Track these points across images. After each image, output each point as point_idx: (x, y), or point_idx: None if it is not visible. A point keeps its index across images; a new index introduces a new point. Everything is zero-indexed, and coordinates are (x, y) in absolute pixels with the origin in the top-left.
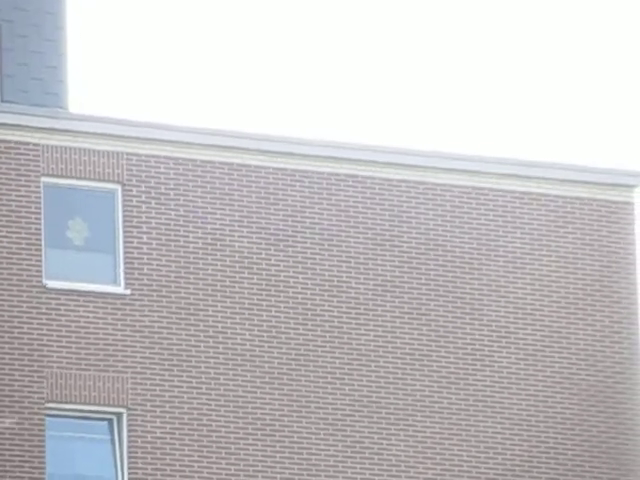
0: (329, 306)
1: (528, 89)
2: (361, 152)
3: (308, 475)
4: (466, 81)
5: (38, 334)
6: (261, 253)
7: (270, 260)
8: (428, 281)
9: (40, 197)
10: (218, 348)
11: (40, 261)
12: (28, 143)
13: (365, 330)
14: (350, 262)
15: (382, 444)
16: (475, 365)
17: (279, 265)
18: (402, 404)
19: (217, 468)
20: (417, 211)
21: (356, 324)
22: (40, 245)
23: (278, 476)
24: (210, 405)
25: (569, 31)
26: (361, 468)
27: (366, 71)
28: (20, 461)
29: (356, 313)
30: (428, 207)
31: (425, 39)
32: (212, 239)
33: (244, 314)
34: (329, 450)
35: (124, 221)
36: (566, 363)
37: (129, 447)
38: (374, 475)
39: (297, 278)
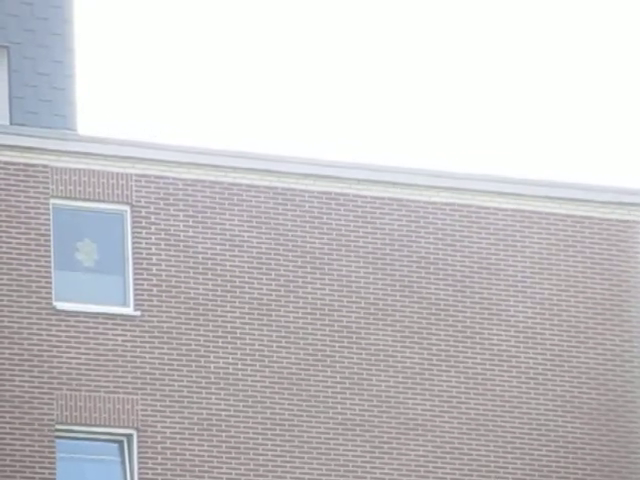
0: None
1: (534, 107)
2: (357, 171)
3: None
4: (470, 98)
5: (48, 356)
6: (270, 273)
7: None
8: (430, 305)
9: (49, 219)
10: (228, 369)
11: (50, 283)
12: (37, 165)
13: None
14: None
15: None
16: (477, 389)
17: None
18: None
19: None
20: (427, 230)
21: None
22: (49, 267)
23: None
24: (220, 426)
25: (574, 48)
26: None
27: (362, 88)
28: None
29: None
30: (438, 227)
31: (424, 56)
32: (221, 260)
33: (254, 334)
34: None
35: (133, 242)
36: (572, 385)
37: (139, 469)
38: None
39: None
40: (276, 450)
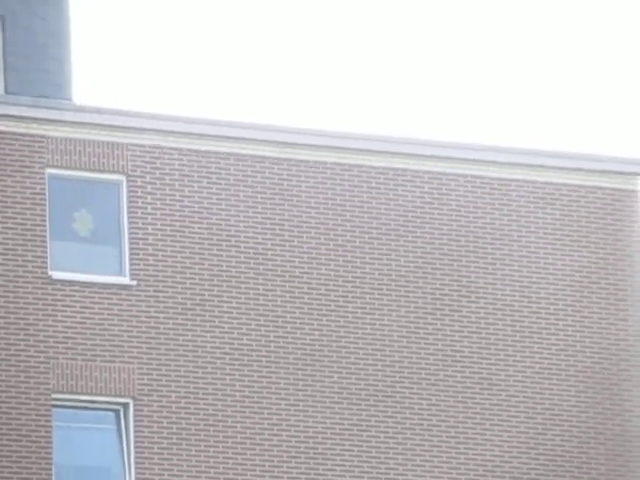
0: (335, 296)
1: (532, 78)
2: (365, 142)
3: (315, 464)
4: (470, 71)
5: (44, 325)
6: (267, 243)
7: (276, 250)
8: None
9: (45, 189)
10: (224, 338)
11: (45, 253)
12: (33, 135)
13: (378, 321)
14: (355, 252)
15: (397, 438)
16: (479, 342)
17: (285, 255)
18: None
19: (224, 457)
20: (423, 201)
21: (364, 314)
22: (45, 237)
23: (285, 465)
24: (216, 395)
25: (573, 17)
26: (369, 467)
27: (369, 62)
28: (27, 452)
29: (363, 303)
30: (434, 197)
31: (425, 28)
32: (217, 229)
33: (249, 304)
34: (335, 450)
35: (129, 212)
36: (565, 344)
37: (135, 437)
38: (380, 474)
39: (303, 268)
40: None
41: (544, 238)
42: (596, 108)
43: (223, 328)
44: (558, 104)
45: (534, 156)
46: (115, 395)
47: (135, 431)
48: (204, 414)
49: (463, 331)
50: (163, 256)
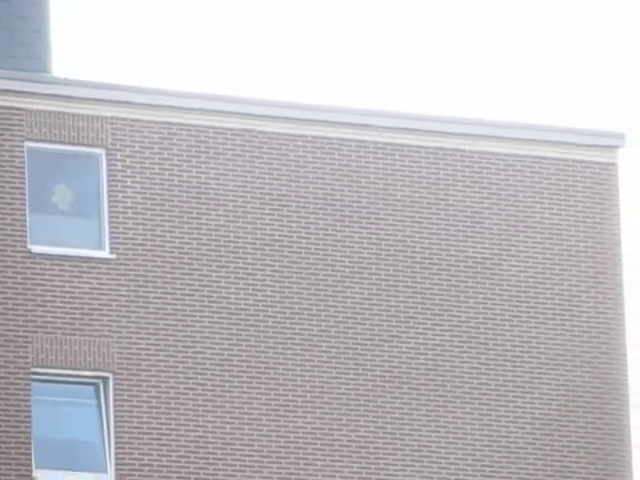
0: (324, 265)
1: (513, 51)
2: (357, 116)
3: (295, 438)
4: (452, 45)
5: (23, 299)
6: (247, 216)
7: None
8: (415, 254)
9: (24, 162)
10: (204, 312)
11: (25, 226)
12: (12, 107)
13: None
14: (344, 221)
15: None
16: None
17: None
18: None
19: (203, 431)
20: (402, 173)
21: (352, 283)
22: (24, 210)
23: (264, 439)
24: (196, 369)
25: None
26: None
27: (346, 31)
28: (6, 426)
29: (351, 272)
30: (413, 170)
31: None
32: (197, 203)
33: (230, 277)
34: (324, 418)
35: (109, 186)
36: (545, 318)
37: (115, 411)
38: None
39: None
40: (252, 402)
41: (524, 211)
42: (575, 81)
43: (203, 302)
44: (538, 77)
45: (513, 129)
46: (95, 369)
47: (115, 405)
48: (184, 388)
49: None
50: (143, 230)
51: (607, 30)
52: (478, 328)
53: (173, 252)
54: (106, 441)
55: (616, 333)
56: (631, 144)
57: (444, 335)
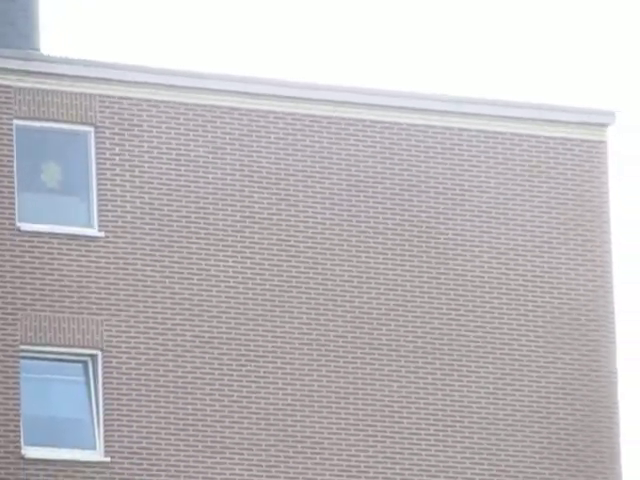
0: (305, 247)
1: (501, 29)
2: (351, 95)
3: (275, 420)
4: (438, 21)
5: (12, 277)
6: (235, 194)
7: (253, 197)
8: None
9: (12, 140)
10: (192, 290)
11: (13, 204)
12: (0, 85)
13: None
14: (325, 203)
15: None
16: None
17: (263, 202)
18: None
19: (192, 409)
20: (391, 151)
21: (333, 260)
22: (13, 188)
23: (254, 416)
24: (185, 346)
25: None
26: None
27: (358, 17)
28: None
29: (332, 254)
30: (402, 148)
31: None
32: (185, 181)
33: (219, 255)
34: (310, 392)
35: (97, 163)
36: (543, 303)
37: (104, 389)
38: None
39: (281, 215)
40: (232, 385)
41: (512, 189)
42: (565, 59)
43: (192, 280)
44: (527, 55)
45: (503, 107)
46: (83, 347)
47: (103, 382)
48: (173, 365)
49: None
50: (131, 208)
51: (596, 8)
52: (459, 310)
53: (162, 230)
54: (95, 418)
55: (605, 310)
56: (620, 122)
57: (434, 313)
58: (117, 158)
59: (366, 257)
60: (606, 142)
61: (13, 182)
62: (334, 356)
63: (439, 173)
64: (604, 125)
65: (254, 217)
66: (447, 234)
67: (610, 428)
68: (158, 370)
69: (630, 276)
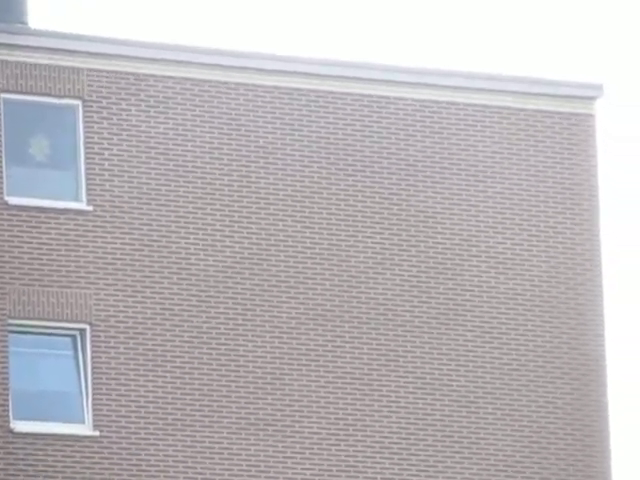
0: (298, 229)
1: (488, 2)
2: (340, 69)
3: (272, 399)
4: None
5: (0, 251)
6: (224, 168)
7: (232, 175)
8: (382, 199)
9: (0, 113)
10: (181, 264)
11: (1, 178)
12: None
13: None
14: (321, 183)
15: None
16: (441, 271)
17: (251, 176)
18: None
19: (181, 383)
20: (379, 125)
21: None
22: (1, 162)
23: (242, 390)
24: (173, 320)
25: None
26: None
27: None
28: None
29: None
30: (390, 121)
31: None
32: (174, 154)
33: (207, 229)
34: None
35: (85, 137)
36: (533, 275)
37: (92, 363)
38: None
39: (268, 198)
40: (221, 369)
41: (500, 163)
42: (553, 31)
43: (180, 253)
44: (515, 28)
45: (490, 81)
46: (72, 321)
47: (92, 357)
48: (161, 339)
49: (423, 262)
50: (120, 181)
51: None
52: (446, 283)
53: (150, 203)
54: (83, 392)
55: (593, 294)
56: (609, 95)
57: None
58: (105, 132)
59: (354, 231)
60: (594, 115)
61: (1, 156)
62: (323, 330)
63: (426, 147)
64: (592, 98)
65: (242, 191)
66: (435, 207)
67: (599, 395)
68: (147, 344)
69: (617, 247)
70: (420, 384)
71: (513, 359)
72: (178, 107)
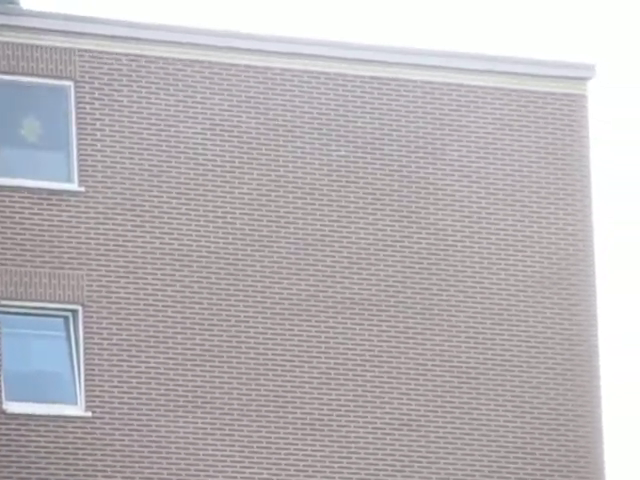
0: (276, 196)
1: None
2: (330, 49)
3: (265, 380)
4: None
5: None
6: (216, 149)
7: (225, 156)
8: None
9: None
10: (173, 244)
11: None
12: None
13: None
14: (305, 158)
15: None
16: (428, 268)
17: (235, 162)
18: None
19: (173, 364)
20: (372, 106)
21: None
22: None
23: (244, 377)
24: (166, 302)
25: None
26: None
27: None
28: None
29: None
30: (382, 102)
31: None
32: (166, 135)
33: (199, 210)
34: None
35: (77, 118)
36: (524, 262)
37: (85, 344)
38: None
39: (261, 179)
40: (213, 340)
41: (493, 143)
42: (545, 11)
43: (172, 235)
44: (506, 8)
45: (483, 61)
46: (64, 302)
47: (84, 338)
48: (154, 320)
49: (407, 256)
50: (112, 162)
51: None
52: (439, 264)
53: (142, 184)
54: (76, 373)
55: (585, 274)
56: (601, 75)
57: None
58: (97, 113)
59: (347, 212)
60: (586, 96)
61: None
62: (315, 311)
63: (419, 127)
64: (585, 79)
65: (235, 171)
66: (428, 188)
67: (591, 375)
68: (139, 325)
69: (610, 229)
70: (421, 370)
71: (505, 350)
72: (170, 88)
